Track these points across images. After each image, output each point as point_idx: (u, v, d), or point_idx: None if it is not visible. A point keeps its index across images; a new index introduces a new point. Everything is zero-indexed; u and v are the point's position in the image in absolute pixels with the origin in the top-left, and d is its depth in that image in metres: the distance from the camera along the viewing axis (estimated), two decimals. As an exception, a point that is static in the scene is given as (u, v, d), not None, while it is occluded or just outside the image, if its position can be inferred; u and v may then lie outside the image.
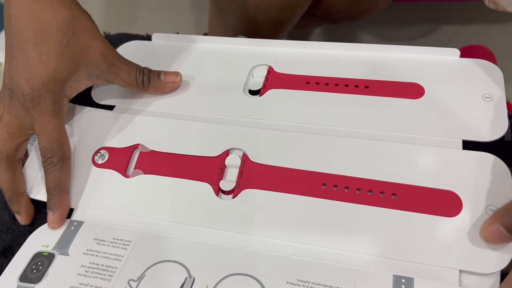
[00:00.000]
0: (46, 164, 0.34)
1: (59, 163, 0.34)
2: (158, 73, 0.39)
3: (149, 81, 0.38)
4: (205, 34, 0.70)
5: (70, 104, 0.39)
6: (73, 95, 0.37)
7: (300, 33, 0.86)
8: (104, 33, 0.55)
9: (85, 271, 0.31)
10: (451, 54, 0.38)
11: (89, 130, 0.39)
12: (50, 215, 0.34)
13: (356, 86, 0.37)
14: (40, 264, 0.32)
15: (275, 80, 0.40)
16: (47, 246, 0.33)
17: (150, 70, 0.38)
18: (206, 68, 0.42)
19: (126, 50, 0.45)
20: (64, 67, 0.35)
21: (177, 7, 0.96)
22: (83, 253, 0.32)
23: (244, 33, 0.54)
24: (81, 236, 0.33)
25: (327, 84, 0.38)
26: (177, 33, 0.74)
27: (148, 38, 0.51)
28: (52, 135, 0.34)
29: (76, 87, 0.37)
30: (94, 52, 0.36)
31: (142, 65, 0.39)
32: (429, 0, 0.88)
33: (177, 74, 0.39)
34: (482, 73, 0.36)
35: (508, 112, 0.35)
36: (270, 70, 0.40)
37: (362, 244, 0.30)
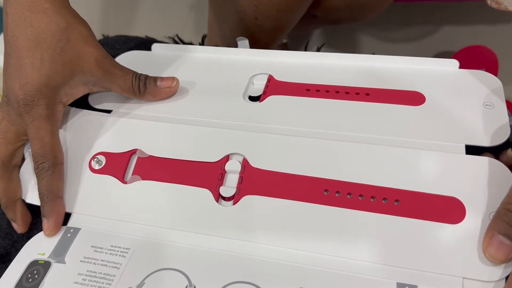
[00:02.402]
0: (38, 170, 0.34)
1: (50, 169, 0.34)
2: (155, 78, 0.38)
3: (145, 87, 0.38)
4: (204, 36, 0.70)
5: (67, 107, 0.39)
6: (69, 102, 0.37)
7: (300, 35, 0.86)
8: (103, 35, 0.55)
9: (83, 279, 0.30)
10: (451, 65, 0.38)
11: (85, 134, 0.38)
12: (45, 222, 0.33)
13: (357, 94, 0.37)
14: (36, 272, 0.31)
15: (275, 87, 0.39)
16: (43, 254, 0.32)
17: (146, 76, 0.38)
18: (206, 76, 0.41)
19: (125, 59, 0.44)
20: (58, 74, 0.35)
21: (176, 9, 0.96)
22: (80, 261, 0.31)
23: (243, 34, 0.54)
24: (78, 243, 0.33)
25: (327, 91, 0.38)
26: (177, 35, 0.74)
27: (147, 40, 0.50)
28: (44, 140, 0.34)
29: (72, 94, 0.37)
30: (89, 59, 0.36)
31: None
32: (430, 0, 0.88)
33: (173, 79, 0.39)
34: (481, 83, 0.36)
35: (510, 113, 0.35)
36: (270, 79, 0.40)
37: (365, 252, 0.29)
